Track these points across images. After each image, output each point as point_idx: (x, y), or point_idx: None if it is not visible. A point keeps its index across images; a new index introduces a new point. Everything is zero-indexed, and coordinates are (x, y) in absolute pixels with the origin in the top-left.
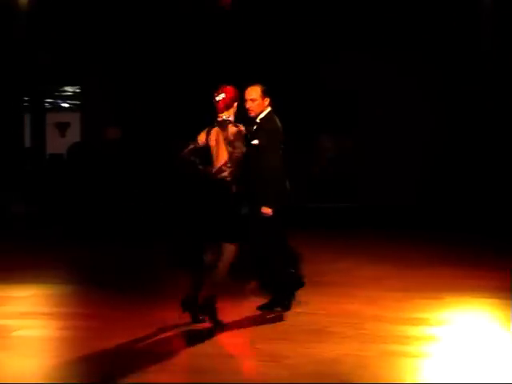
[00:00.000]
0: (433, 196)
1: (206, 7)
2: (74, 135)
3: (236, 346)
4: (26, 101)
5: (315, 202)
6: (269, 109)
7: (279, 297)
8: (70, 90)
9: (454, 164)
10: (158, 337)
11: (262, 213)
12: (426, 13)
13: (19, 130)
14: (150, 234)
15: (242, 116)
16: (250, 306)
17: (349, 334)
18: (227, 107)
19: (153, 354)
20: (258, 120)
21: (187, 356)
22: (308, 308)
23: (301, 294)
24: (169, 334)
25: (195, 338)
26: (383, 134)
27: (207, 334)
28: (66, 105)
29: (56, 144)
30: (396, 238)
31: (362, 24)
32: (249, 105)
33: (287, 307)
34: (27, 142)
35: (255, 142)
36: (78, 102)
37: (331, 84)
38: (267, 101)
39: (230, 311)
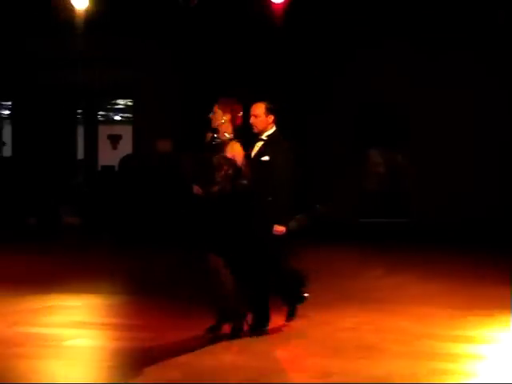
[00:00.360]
0: (487, 211)
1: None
2: (125, 147)
3: (286, 361)
4: (79, 113)
5: (366, 216)
6: (274, 127)
7: (292, 301)
8: (121, 102)
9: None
10: (208, 348)
11: (275, 231)
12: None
13: (72, 142)
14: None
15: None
16: (301, 322)
17: (399, 351)
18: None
19: (203, 366)
20: (263, 137)
21: (237, 369)
22: (357, 324)
23: (350, 310)
24: (220, 345)
25: (246, 351)
26: (436, 147)
27: (259, 348)
28: (118, 117)
29: (108, 156)
30: (447, 254)
31: (414, 34)
32: (252, 120)
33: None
34: (80, 154)
35: (265, 158)
36: (129, 115)
37: (381, 96)
38: (271, 118)
39: (280, 327)
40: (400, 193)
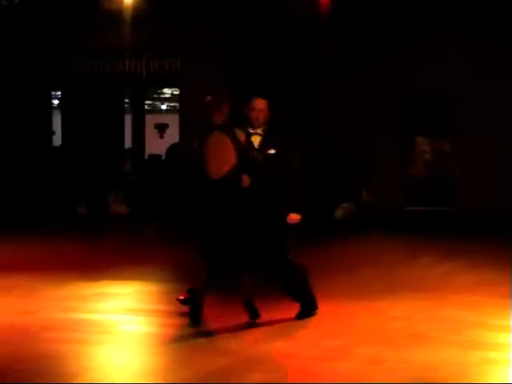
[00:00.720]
0: None
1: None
2: (172, 136)
3: (337, 350)
4: (126, 103)
5: (412, 204)
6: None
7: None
8: (168, 91)
9: None
10: (256, 336)
11: (290, 220)
12: None
13: (120, 131)
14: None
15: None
16: (348, 311)
17: (449, 340)
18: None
19: (252, 353)
20: (259, 131)
21: (287, 357)
22: (408, 312)
23: (401, 299)
24: (268, 333)
25: (296, 339)
26: (485, 136)
27: (309, 336)
28: (165, 106)
29: (155, 145)
30: (496, 242)
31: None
32: (257, 115)
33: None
34: (127, 143)
35: (272, 151)
36: (176, 104)
37: (430, 84)
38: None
39: (330, 315)
40: (448, 181)
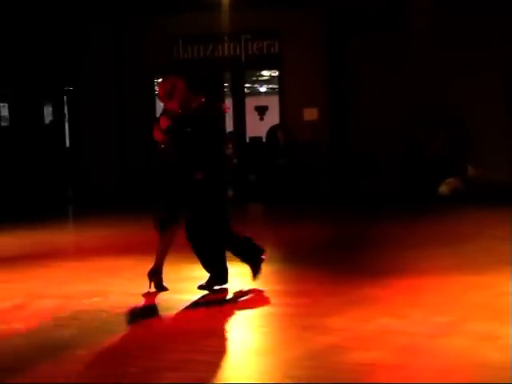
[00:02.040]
0: None
1: None
2: (272, 118)
3: (445, 326)
4: (226, 86)
5: None
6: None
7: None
8: (266, 74)
9: None
10: (360, 314)
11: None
12: None
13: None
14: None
15: None
16: (455, 286)
17: None
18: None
19: (362, 331)
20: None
21: (395, 335)
22: None
23: (509, 273)
24: (372, 311)
25: (402, 315)
26: None
27: (416, 314)
28: (264, 89)
29: (255, 127)
30: None
31: None
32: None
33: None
34: (229, 127)
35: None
36: (275, 86)
37: None
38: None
39: (437, 290)
40: None
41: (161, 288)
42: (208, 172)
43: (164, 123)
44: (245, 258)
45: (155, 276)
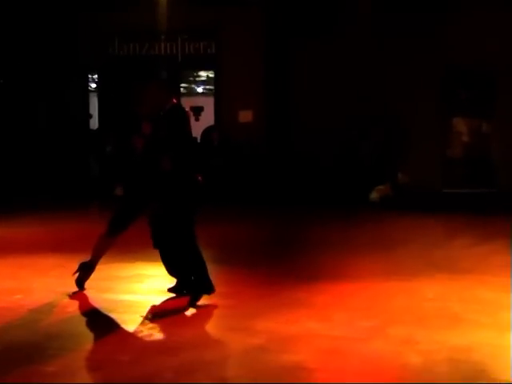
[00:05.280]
0: None
1: None
2: (207, 119)
3: (369, 330)
4: None
5: (450, 186)
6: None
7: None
8: (203, 74)
9: None
10: (287, 318)
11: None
12: None
13: None
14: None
15: None
16: (383, 291)
17: (484, 322)
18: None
19: (286, 333)
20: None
21: (320, 337)
22: (443, 294)
23: (436, 279)
24: (301, 314)
25: (328, 319)
26: None
27: (341, 317)
28: (201, 89)
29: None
30: None
31: None
32: None
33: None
34: None
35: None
36: (211, 87)
37: (469, 62)
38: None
39: (364, 295)
40: (486, 162)
41: (80, 285)
42: (176, 163)
43: (146, 129)
44: (182, 278)
45: (85, 270)
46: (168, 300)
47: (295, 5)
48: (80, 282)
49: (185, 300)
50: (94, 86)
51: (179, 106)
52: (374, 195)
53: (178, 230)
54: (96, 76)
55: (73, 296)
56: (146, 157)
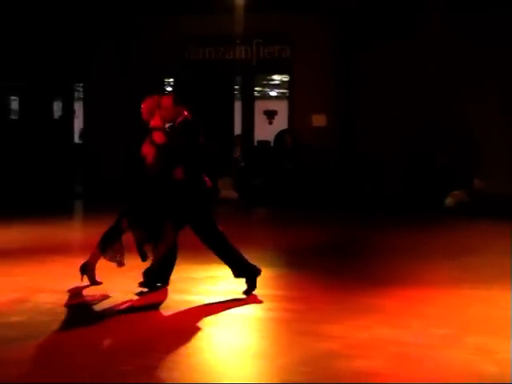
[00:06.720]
0: None
1: None
2: (281, 123)
3: (444, 338)
4: (236, 89)
5: None
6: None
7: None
8: (277, 78)
9: None
10: (360, 322)
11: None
12: None
13: (230, 118)
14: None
15: None
16: (456, 298)
17: None
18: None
19: (359, 339)
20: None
21: (394, 344)
22: None
23: (510, 288)
24: (373, 319)
25: (402, 326)
26: None
27: (416, 324)
28: (274, 93)
29: (264, 131)
30: None
31: None
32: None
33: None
34: (237, 129)
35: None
36: (285, 91)
37: None
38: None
39: (439, 303)
40: None
41: (93, 280)
42: (189, 173)
43: (160, 138)
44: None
45: (87, 270)
46: (239, 304)
47: (369, 9)
48: (92, 280)
49: (259, 306)
50: (169, 89)
51: (191, 119)
52: (449, 200)
53: (202, 230)
54: (172, 80)
55: (148, 297)
56: (157, 165)
